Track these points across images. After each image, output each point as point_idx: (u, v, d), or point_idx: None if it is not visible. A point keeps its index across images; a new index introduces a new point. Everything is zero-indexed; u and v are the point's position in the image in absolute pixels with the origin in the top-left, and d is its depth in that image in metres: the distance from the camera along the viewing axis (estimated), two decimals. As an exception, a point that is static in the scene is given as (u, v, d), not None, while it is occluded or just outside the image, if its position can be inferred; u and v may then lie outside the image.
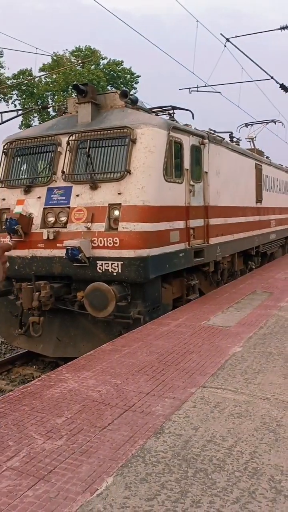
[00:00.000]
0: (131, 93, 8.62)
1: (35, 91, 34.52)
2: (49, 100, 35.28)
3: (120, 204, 7.02)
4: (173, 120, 8.52)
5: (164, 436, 3.23)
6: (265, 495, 2.55)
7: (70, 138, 7.59)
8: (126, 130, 7.22)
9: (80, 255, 6.87)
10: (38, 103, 33.27)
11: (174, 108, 9.05)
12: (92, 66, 36.32)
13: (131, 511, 2.40)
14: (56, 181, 7.59)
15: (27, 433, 3.26)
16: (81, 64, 33.56)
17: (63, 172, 7.51)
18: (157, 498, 2.52)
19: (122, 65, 39.39)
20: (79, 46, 37.46)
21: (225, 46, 13.66)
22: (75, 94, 8.13)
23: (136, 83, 39.97)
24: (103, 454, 2.99)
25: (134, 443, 3.13)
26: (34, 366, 8.11)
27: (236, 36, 13.40)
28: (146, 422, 3.44)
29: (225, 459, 2.93)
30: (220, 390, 4.07)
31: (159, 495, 2.54)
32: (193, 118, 9.57)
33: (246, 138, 16.38)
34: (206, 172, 8.99)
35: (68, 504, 2.46)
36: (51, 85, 34.95)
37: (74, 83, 8.60)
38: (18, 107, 32.90)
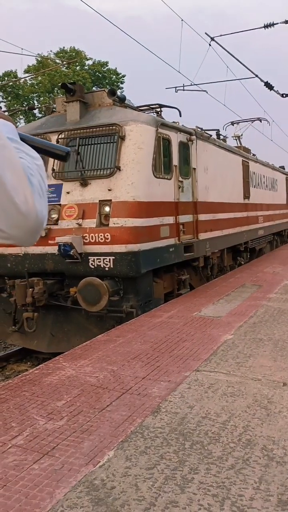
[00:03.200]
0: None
1: (20, 92, 34.53)
2: (35, 102, 35.33)
3: (111, 200, 7.15)
4: (161, 118, 8.67)
5: (161, 414, 3.38)
6: (258, 462, 2.70)
7: (60, 136, 7.70)
8: (115, 127, 7.36)
9: (72, 251, 6.99)
10: (24, 105, 33.32)
11: (161, 106, 9.19)
12: (78, 67, 36.41)
13: (133, 479, 2.54)
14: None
15: (29, 416, 3.38)
16: (66, 65, 33.63)
17: (53, 170, 7.61)
18: (156, 467, 2.66)
19: (108, 66, 39.49)
20: (63, 47, 37.52)
21: (210, 45, 13.87)
22: (62, 94, 8.24)
23: (122, 83, 40.07)
24: (103, 432, 3.12)
25: (132, 421, 3.27)
26: (29, 363, 8.19)
27: (220, 35, 13.60)
28: (143, 403, 3.58)
29: (220, 433, 3.08)
30: (213, 373, 4.22)
31: (159, 465, 2.69)
32: (180, 116, 9.70)
33: (232, 136, 16.63)
34: (195, 169, 9.15)
35: (72, 475, 2.59)
36: (36, 87, 35.00)
37: (63, 82, 8.72)
38: (4, 109, 32.88)
